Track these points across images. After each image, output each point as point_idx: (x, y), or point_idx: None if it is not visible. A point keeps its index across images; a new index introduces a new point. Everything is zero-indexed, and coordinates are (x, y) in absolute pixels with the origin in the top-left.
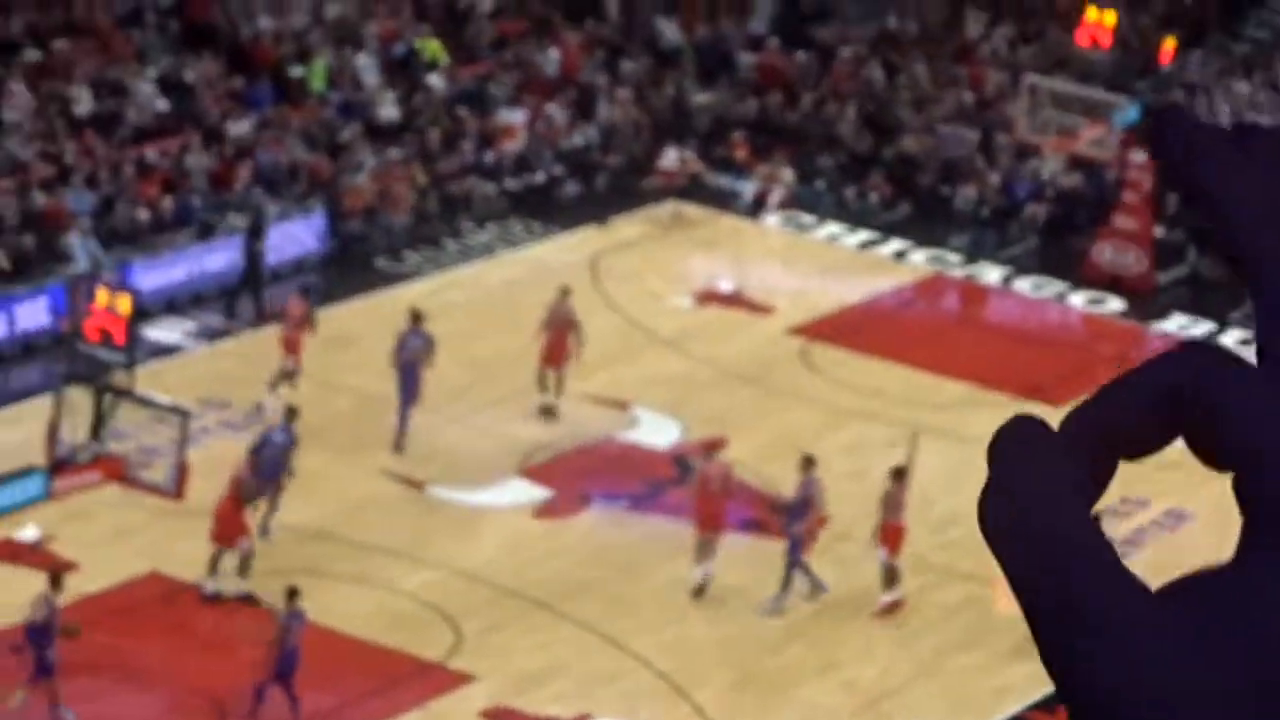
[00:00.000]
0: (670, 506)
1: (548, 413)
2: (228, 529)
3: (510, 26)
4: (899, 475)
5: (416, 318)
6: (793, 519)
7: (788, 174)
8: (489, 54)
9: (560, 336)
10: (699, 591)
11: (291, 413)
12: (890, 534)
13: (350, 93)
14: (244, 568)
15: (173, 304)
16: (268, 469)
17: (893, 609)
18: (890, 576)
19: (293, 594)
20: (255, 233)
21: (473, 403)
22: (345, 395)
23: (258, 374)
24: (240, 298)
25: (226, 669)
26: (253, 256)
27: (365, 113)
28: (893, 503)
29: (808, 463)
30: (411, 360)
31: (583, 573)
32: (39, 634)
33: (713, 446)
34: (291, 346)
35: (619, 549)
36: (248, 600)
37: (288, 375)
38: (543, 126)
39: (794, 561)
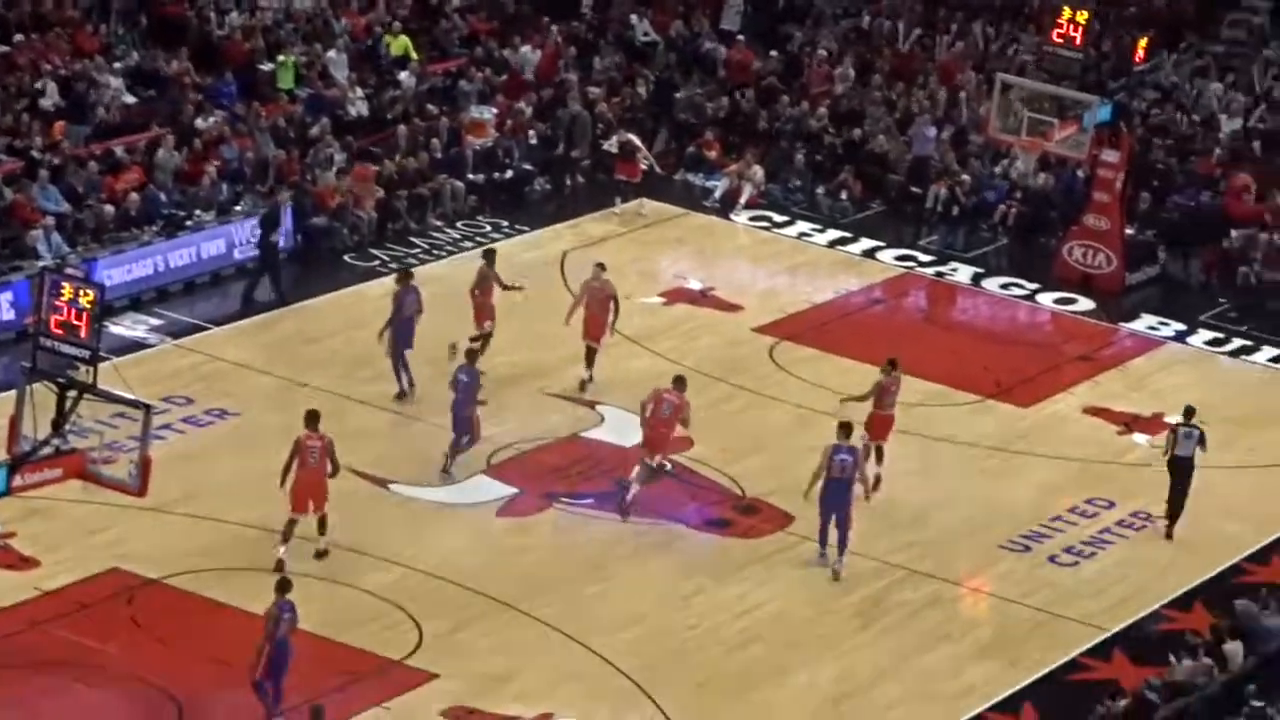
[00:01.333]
0: (636, 505)
1: (582, 387)
2: (320, 496)
3: (482, 24)
4: (893, 366)
5: (407, 275)
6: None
7: (758, 172)
8: (460, 50)
9: (597, 311)
10: (624, 510)
11: (472, 355)
12: (878, 424)
13: (320, 89)
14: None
15: (138, 300)
16: (457, 407)
17: (877, 484)
18: (880, 456)
19: (284, 586)
20: (271, 224)
21: (438, 400)
22: (310, 394)
23: (221, 370)
24: (255, 287)
25: (186, 665)
26: (267, 247)
27: (334, 109)
28: (883, 393)
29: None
30: (408, 316)
31: (546, 571)
32: None
33: (680, 445)
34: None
35: (583, 548)
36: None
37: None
38: (512, 123)
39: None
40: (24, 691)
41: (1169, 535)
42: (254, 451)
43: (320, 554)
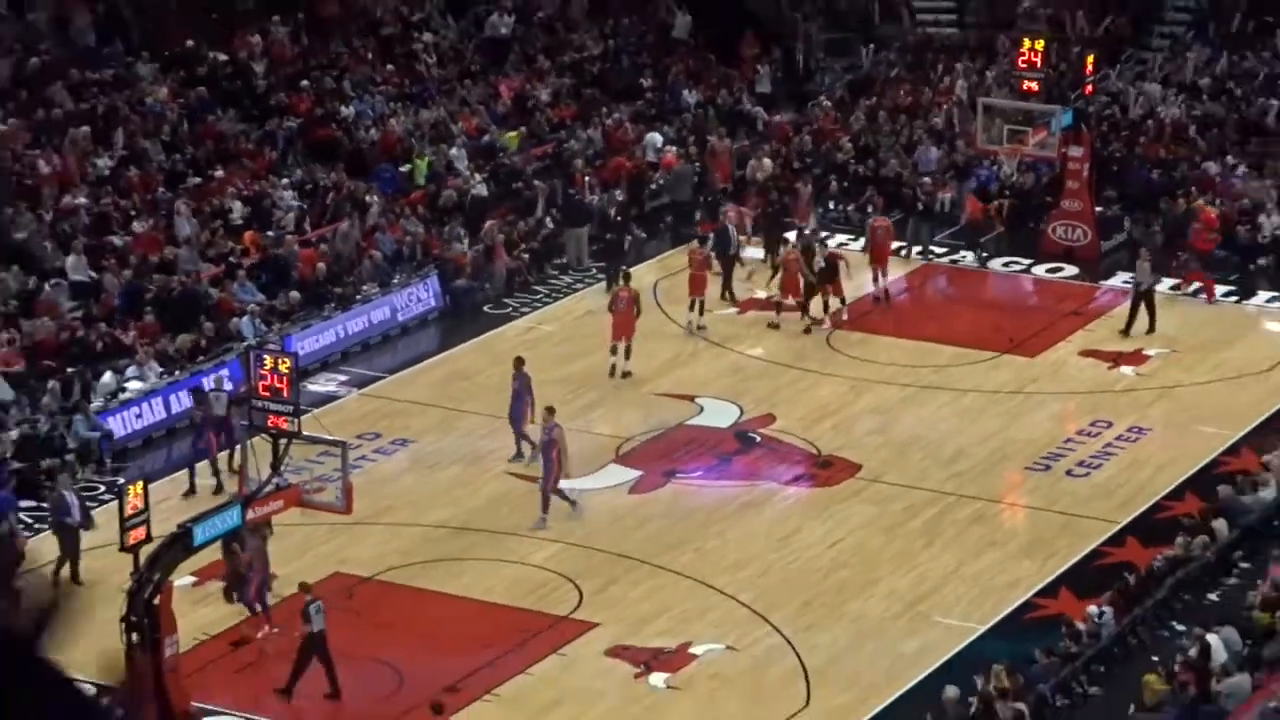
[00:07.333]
0: (736, 473)
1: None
2: (625, 331)
3: (564, 112)
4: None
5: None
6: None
7: (806, 191)
8: (551, 136)
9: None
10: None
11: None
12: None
13: (446, 178)
14: None
15: (326, 362)
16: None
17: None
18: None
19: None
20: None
21: (572, 409)
22: (469, 418)
23: (399, 409)
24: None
25: (401, 643)
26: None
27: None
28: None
29: (549, 412)
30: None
31: (672, 533)
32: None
33: (765, 421)
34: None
35: (699, 511)
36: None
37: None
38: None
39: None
40: (278, 672)
41: None
42: (432, 469)
43: (625, 374)
